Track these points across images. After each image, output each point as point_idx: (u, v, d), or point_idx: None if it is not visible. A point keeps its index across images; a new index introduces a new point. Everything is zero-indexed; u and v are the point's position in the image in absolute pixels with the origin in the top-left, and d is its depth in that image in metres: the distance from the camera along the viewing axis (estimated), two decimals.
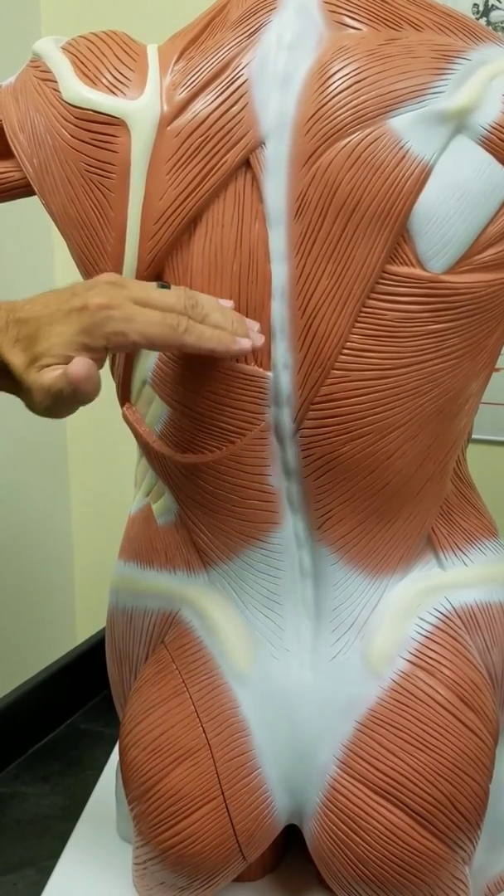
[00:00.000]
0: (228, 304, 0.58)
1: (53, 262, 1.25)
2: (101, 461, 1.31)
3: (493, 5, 1.28)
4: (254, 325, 0.58)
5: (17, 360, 0.51)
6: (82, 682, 1.10)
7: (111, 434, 1.32)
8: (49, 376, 0.51)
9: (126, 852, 0.74)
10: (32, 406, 0.53)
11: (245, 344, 0.55)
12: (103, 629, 1.13)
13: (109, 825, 0.82)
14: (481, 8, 1.28)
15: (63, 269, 1.26)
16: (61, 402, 0.51)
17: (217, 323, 0.54)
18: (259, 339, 0.57)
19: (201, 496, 0.65)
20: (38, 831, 0.86)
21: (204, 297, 0.55)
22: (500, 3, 1.28)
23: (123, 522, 0.75)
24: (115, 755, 0.95)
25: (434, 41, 0.57)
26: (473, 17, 1.29)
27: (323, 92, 0.55)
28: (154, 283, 0.55)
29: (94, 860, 0.78)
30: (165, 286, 0.54)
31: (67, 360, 0.50)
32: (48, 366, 0.51)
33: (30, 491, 1.24)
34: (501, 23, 1.27)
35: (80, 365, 0.50)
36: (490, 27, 1.27)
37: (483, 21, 1.29)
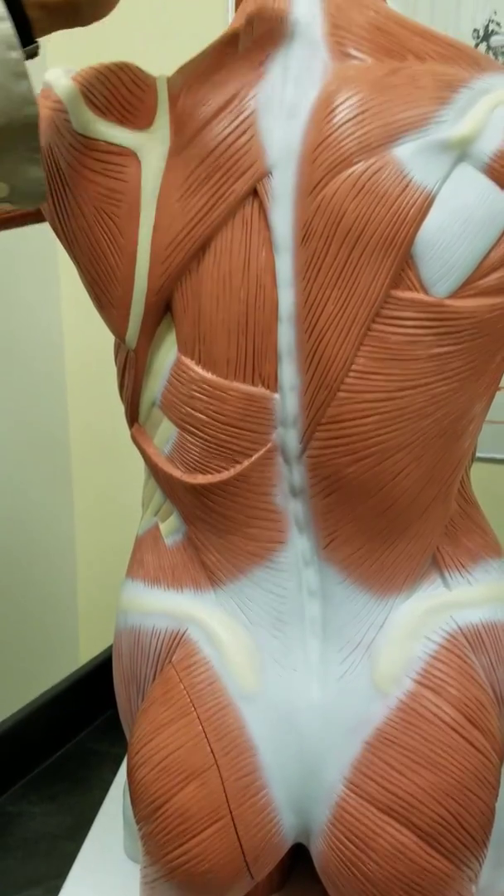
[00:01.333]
0: None
1: (57, 264, 1.26)
2: (106, 481, 1.32)
3: (493, 30, 1.30)
4: None
5: None
6: (88, 701, 1.11)
7: (116, 453, 1.34)
8: None
9: (133, 871, 0.75)
10: None
11: None
12: (108, 648, 1.14)
13: (117, 844, 0.82)
14: (481, 33, 1.30)
15: (66, 272, 1.28)
16: None
17: None
18: None
19: (209, 516, 0.65)
20: (44, 850, 0.86)
21: None
22: (500, 28, 1.30)
23: (127, 542, 0.76)
24: (121, 774, 0.95)
25: (437, 71, 0.58)
26: (473, 41, 1.31)
27: (328, 122, 0.57)
28: None
29: (102, 880, 0.78)
30: None
31: None
32: None
33: (33, 511, 1.25)
34: (502, 47, 1.29)
35: None
36: (490, 52, 1.29)
37: (483, 46, 1.31)
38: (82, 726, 1.10)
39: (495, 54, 1.29)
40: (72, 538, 1.35)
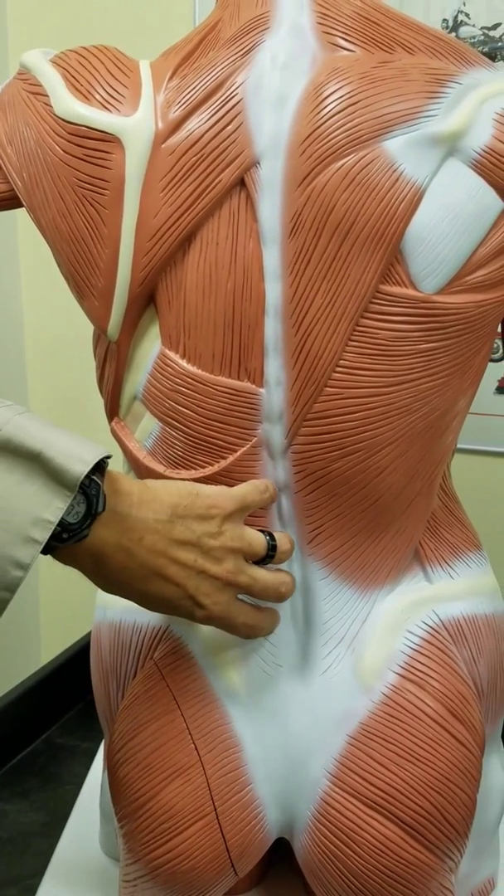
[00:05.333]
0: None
1: (18, 248, 1.23)
2: None
3: (462, 21, 1.30)
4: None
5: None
6: (57, 695, 1.09)
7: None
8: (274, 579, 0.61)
9: (111, 868, 0.74)
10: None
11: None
12: (74, 643, 1.12)
13: (92, 841, 0.81)
14: (451, 23, 1.30)
15: (27, 254, 1.25)
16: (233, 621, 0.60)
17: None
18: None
19: None
20: (19, 849, 0.85)
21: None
22: (469, 18, 1.30)
23: None
24: (95, 769, 0.94)
25: (427, 64, 0.58)
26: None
27: (318, 113, 0.56)
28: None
29: (79, 877, 0.78)
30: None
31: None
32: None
33: None
34: (471, 38, 1.30)
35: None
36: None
37: (452, 36, 1.31)
38: (52, 721, 1.09)
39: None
40: None
